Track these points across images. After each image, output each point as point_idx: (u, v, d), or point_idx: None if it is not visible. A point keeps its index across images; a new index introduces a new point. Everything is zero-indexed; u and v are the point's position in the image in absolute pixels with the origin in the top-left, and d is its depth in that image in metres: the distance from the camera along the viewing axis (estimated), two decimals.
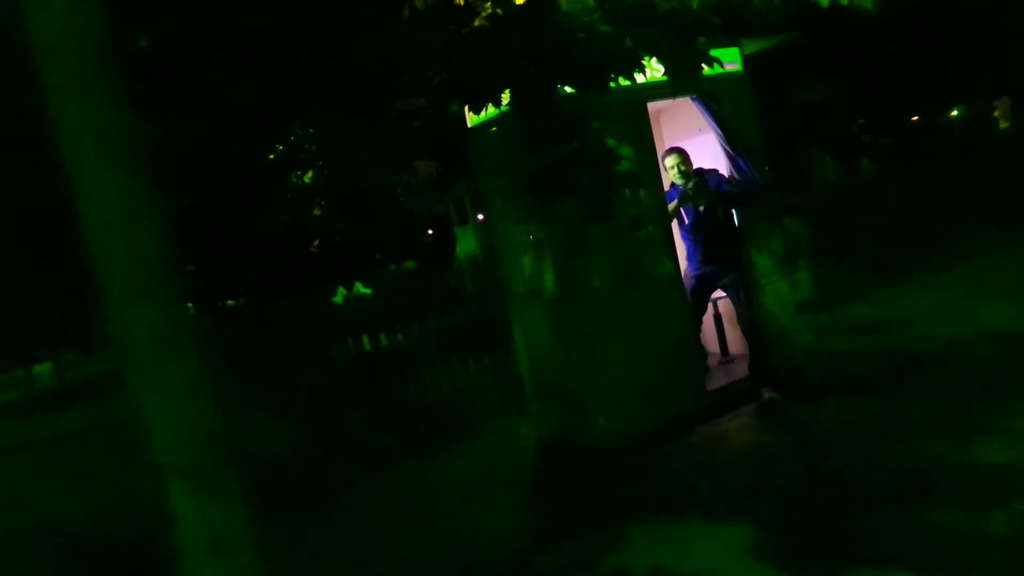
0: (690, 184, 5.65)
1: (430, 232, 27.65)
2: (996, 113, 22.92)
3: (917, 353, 5.95)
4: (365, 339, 6.72)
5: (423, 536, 4.62)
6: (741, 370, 6.05)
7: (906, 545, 3.25)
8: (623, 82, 3.64)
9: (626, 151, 5.18)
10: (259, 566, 2.93)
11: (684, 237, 5.91)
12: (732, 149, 5.69)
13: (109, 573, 5.17)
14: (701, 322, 5.91)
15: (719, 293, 6.41)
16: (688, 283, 5.74)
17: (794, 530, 3.66)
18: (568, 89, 3.59)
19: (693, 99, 5.59)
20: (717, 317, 6.49)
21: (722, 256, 5.72)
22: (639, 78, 3.61)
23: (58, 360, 20.30)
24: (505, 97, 3.49)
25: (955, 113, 24.45)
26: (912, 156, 16.81)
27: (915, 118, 22.47)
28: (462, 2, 3.20)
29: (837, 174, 16.88)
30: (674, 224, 5.80)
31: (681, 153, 5.86)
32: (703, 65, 3.88)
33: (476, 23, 3.13)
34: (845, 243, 9.09)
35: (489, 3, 3.15)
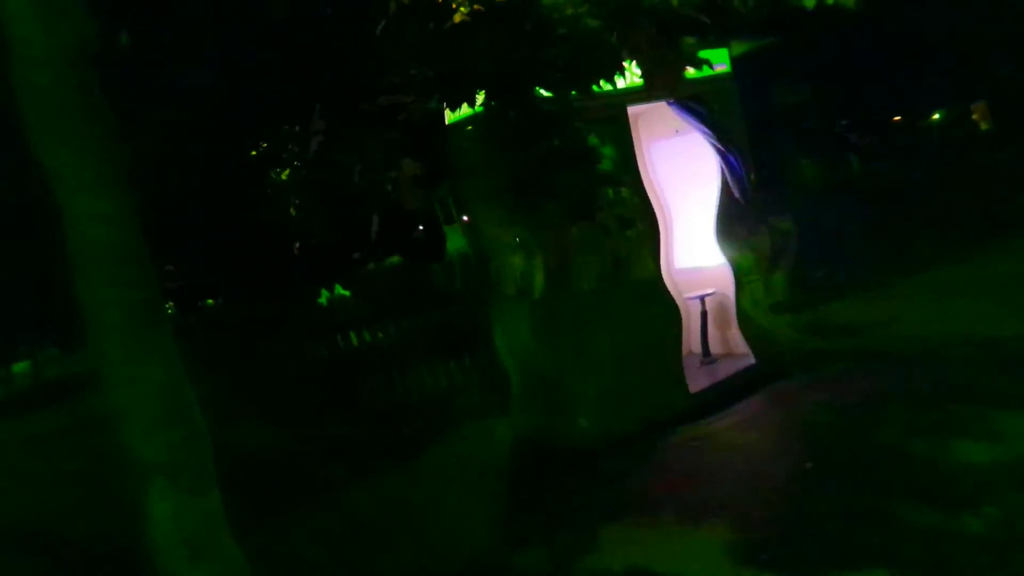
0: None
1: (421, 228, 27.44)
2: (975, 116, 23.36)
3: (896, 354, 5.98)
4: (338, 338, 6.67)
5: (403, 536, 4.60)
6: (724, 370, 6.07)
7: (884, 545, 3.27)
8: (605, 86, 3.63)
9: (608, 152, 5.18)
10: (237, 569, 2.89)
11: None
12: (724, 147, 5.70)
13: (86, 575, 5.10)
14: None
15: (707, 289, 6.40)
16: None
17: (772, 531, 3.68)
18: (545, 93, 3.57)
19: (669, 103, 5.59)
20: (703, 314, 6.48)
21: None
22: (620, 83, 3.59)
23: (36, 358, 20.04)
24: (480, 96, 3.46)
25: (936, 116, 25.07)
26: (895, 154, 16.97)
27: (897, 118, 22.95)
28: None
29: (820, 174, 17.01)
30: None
31: None
32: (687, 67, 3.87)
33: (456, 19, 3.11)
34: (828, 243, 9.14)
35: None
